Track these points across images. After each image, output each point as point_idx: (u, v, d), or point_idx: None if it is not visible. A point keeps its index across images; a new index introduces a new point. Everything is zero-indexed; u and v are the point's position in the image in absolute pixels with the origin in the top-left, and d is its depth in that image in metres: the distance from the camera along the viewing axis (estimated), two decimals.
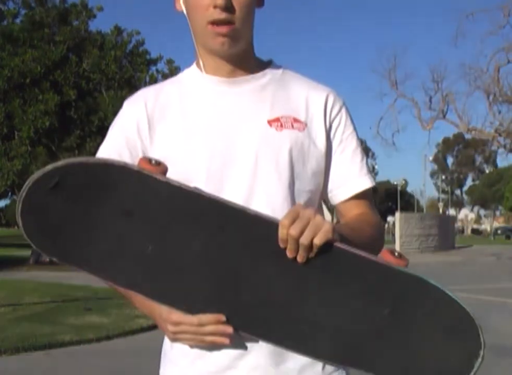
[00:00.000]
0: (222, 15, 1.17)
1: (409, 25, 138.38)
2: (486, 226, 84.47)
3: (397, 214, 29.63)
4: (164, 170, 1.06)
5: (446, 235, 33.11)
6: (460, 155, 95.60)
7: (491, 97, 22.14)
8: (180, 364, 1.22)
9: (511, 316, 8.92)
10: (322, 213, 1.24)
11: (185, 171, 1.19)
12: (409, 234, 28.55)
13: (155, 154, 1.17)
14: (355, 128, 1.30)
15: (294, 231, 1.00)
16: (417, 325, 1.06)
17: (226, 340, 1.09)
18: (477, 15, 23.22)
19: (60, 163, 1.05)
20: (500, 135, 22.46)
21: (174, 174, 1.08)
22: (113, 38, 17.94)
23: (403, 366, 1.08)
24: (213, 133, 1.21)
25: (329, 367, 1.21)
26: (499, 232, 65.49)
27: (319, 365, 1.20)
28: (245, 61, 1.26)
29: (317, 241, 1.00)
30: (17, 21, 17.25)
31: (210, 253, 1.06)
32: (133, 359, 5.96)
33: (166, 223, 1.05)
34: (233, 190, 1.18)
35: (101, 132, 16.66)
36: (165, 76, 19.79)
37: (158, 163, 1.05)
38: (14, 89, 15.83)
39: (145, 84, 18.16)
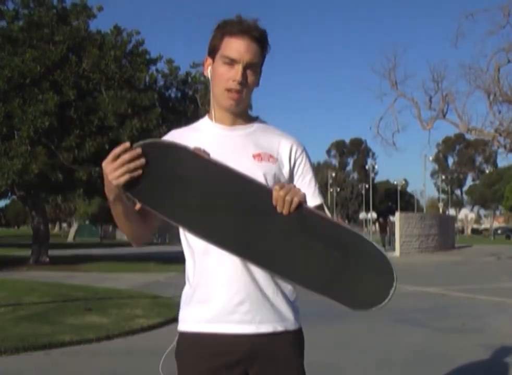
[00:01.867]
0: (238, 87, 1.76)
1: (409, 25, 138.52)
2: (486, 226, 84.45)
3: (397, 214, 29.60)
4: (208, 155, 1.70)
5: (446, 235, 33.12)
6: (460, 155, 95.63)
7: (491, 97, 22.08)
8: (199, 304, 1.76)
9: (511, 316, 8.94)
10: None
11: None
12: (409, 234, 28.55)
13: None
14: (311, 164, 1.90)
15: (283, 192, 1.63)
16: (356, 264, 1.65)
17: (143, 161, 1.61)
18: (477, 15, 23.10)
19: (147, 140, 1.66)
20: (500, 135, 22.40)
21: None
22: (113, 38, 17.88)
23: (345, 291, 1.67)
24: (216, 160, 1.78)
25: (287, 315, 1.76)
26: (499, 231, 65.46)
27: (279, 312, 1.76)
28: (242, 116, 1.86)
29: (297, 199, 1.63)
30: (17, 21, 17.20)
31: (231, 205, 1.67)
32: (133, 359, 5.97)
33: (206, 186, 1.67)
34: None
35: (101, 132, 16.64)
36: (165, 76, 19.76)
37: (208, 153, 1.70)
38: (14, 89, 15.80)
39: (145, 84, 18.14)
